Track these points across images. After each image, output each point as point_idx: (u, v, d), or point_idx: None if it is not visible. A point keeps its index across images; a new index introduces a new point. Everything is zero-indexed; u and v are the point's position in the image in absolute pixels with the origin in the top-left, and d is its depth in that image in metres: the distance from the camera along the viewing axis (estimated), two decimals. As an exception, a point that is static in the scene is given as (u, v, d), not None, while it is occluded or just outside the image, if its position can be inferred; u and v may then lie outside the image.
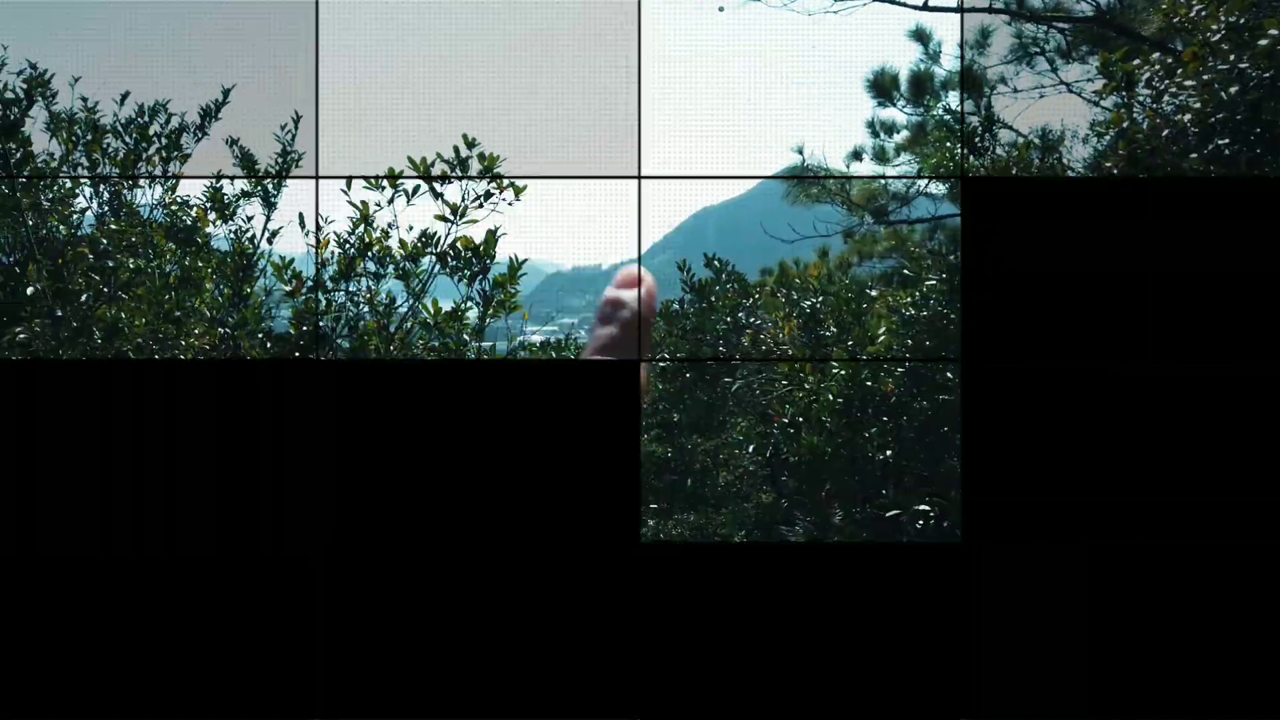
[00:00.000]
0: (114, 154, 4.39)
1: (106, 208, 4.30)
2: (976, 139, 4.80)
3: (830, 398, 5.34)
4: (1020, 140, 5.48)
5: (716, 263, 7.93)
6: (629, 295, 0.45)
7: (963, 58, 7.38)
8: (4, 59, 3.93)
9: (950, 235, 7.24)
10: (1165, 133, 3.49)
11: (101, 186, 4.31)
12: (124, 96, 4.40)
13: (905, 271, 5.26)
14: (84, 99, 4.38)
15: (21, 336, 3.45)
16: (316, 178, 4.68)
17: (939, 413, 5.07)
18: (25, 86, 3.98)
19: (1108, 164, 3.74)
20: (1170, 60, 3.90)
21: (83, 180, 4.31)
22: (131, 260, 3.99)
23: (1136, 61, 3.98)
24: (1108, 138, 3.94)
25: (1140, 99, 3.91)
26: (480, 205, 4.29)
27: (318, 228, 4.53)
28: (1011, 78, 7.65)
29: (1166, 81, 3.80)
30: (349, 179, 4.71)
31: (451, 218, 4.29)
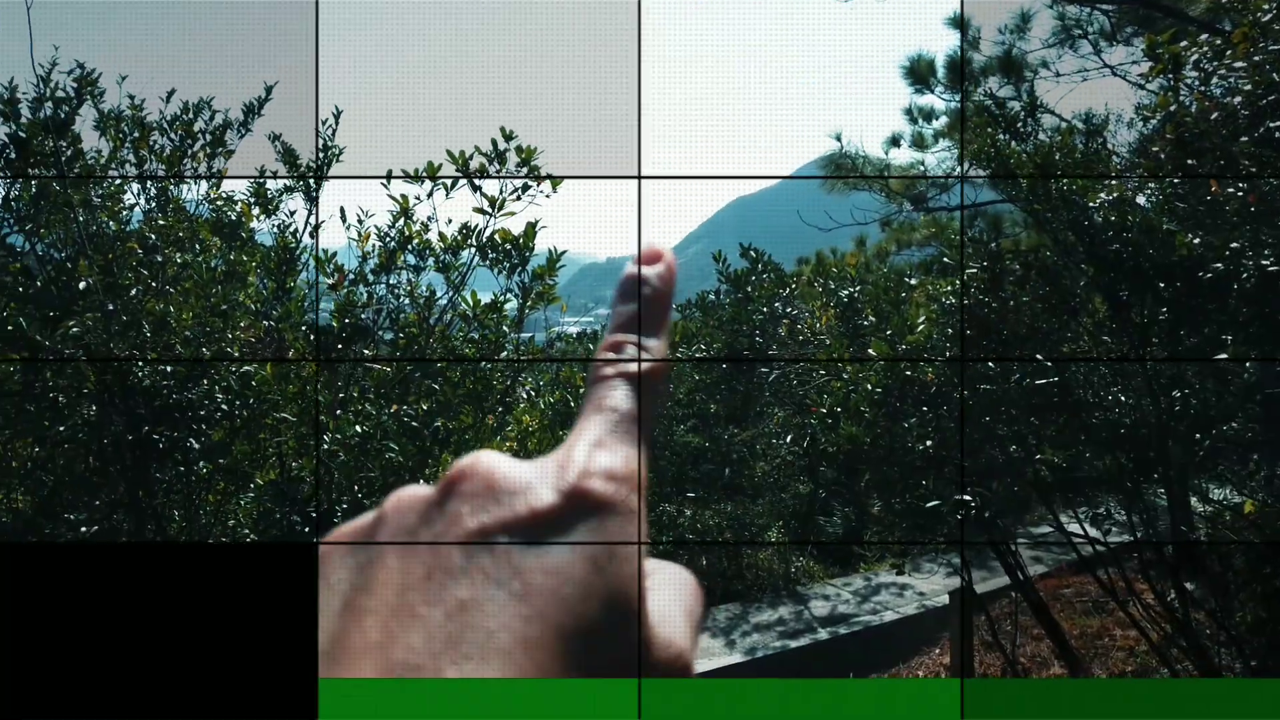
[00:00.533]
0: (160, 150, 4.47)
1: (154, 203, 4.39)
2: (1019, 124, 4.73)
3: (869, 388, 5.30)
4: (1063, 125, 5.38)
5: (753, 253, 7.90)
6: (649, 271, 0.44)
7: (963, 51, 7.25)
8: (55, 59, 4.01)
9: (990, 222, 7.15)
10: (1215, 116, 3.41)
11: (149, 183, 4.39)
12: (170, 94, 4.48)
13: (945, 259, 5.19)
14: (131, 96, 4.47)
15: (74, 330, 3.54)
16: (317, 177, 4.73)
17: (980, 403, 5.01)
18: (75, 85, 4.06)
19: (1154, 148, 3.66)
20: (1219, 41, 3.81)
21: (131, 178, 4.39)
22: (179, 255, 4.07)
23: (1184, 43, 3.89)
24: (1154, 121, 3.86)
25: (1188, 81, 3.83)
26: (518, 198, 4.32)
27: (316, 226, 4.58)
28: (1054, 61, 7.53)
29: (1215, 63, 3.71)
30: (352, 179, 4.76)
31: (490, 210, 4.32)
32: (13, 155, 3.99)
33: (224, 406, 3.89)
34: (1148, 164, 3.76)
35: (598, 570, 0.35)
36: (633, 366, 0.42)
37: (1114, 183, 4.04)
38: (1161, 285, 4.27)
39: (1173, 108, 3.57)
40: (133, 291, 3.80)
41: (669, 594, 0.40)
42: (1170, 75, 3.88)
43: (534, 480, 0.37)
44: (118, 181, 4.29)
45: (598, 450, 0.38)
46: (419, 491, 0.38)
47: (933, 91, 7.63)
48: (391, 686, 0.31)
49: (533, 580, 0.34)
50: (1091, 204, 4.19)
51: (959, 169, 8.12)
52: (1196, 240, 3.84)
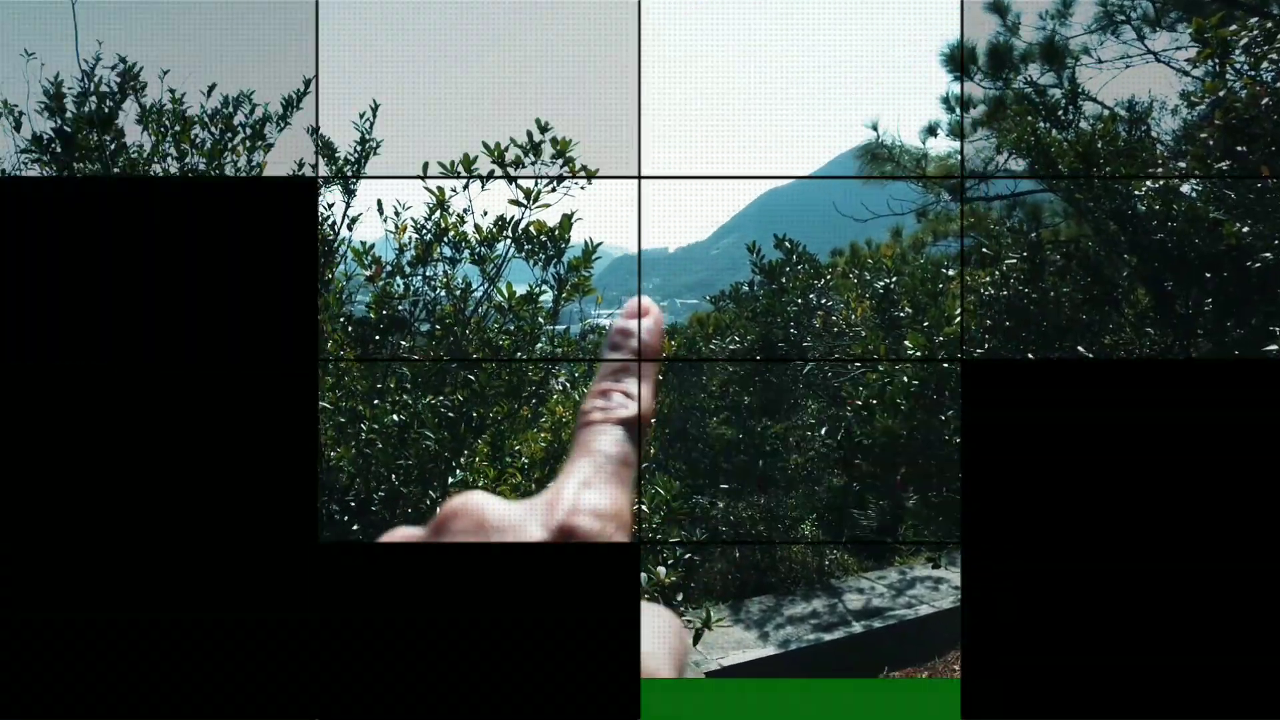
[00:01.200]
0: (201, 144, 4.53)
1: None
2: (1060, 112, 4.65)
3: (905, 380, 5.25)
4: (1105, 113, 5.29)
5: (787, 244, 7.85)
6: (635, 324, 0.47)
7: (962, 47, 7.14)
8: (99, 54, 4.08)
9: (1029, 211, 7.05)
10: (1265, 101, 3.33)
11: (190, 176, 4.45)
12: (211, 88, 4.54)
13: (984, 250, 5.13)
14: (171, 91, 4.53)
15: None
16: (316, 178, 4.76)
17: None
18: (118, 80, 4.12)
19: (1203, 134, 3.59)
20: (1269, 25, 3.72)
21: (173, 172, 4.46)
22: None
23: (1233, 27, 3.80)
24: (1201, 107, 3.78)
25: (1236, 66, 3.74)
26: (553, 189, 4.32)
27: (318, 224, 4.60)
28: (1095, 48, 7.40)
29: (1265, 47, 3.62)
30: (356, 177, 4.79)
31: (525, 202, 4.33)
32: (59, 149, 4.06)
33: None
34: (1195, 150, 3.69)
35: None
36: (620, 413, 0.44)
37: (1158, 170, 3.97)
38: (1208, 275, 4.19)
39: (1221, 93, 3.49)
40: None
41: (655, 634, 0.42)
42: (1215, 60, 3.80)
43: (523, 518, 0.39)
44: (161, 176, 4.35)
45: (585, 490, 0.40)
46: (411, 531, 0.40)
47: (972, 79, 7.52)
48: (391, 686, 0.32)
49: None
50: (1136, 192, 4.12)
51: (995, 162, 8.02)
52: (1244, 229, 3.75)
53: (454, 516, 0.39)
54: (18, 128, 4.21)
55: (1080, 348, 4.68)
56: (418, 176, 4.32)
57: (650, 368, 0.46)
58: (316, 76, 4.89)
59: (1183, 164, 4.03)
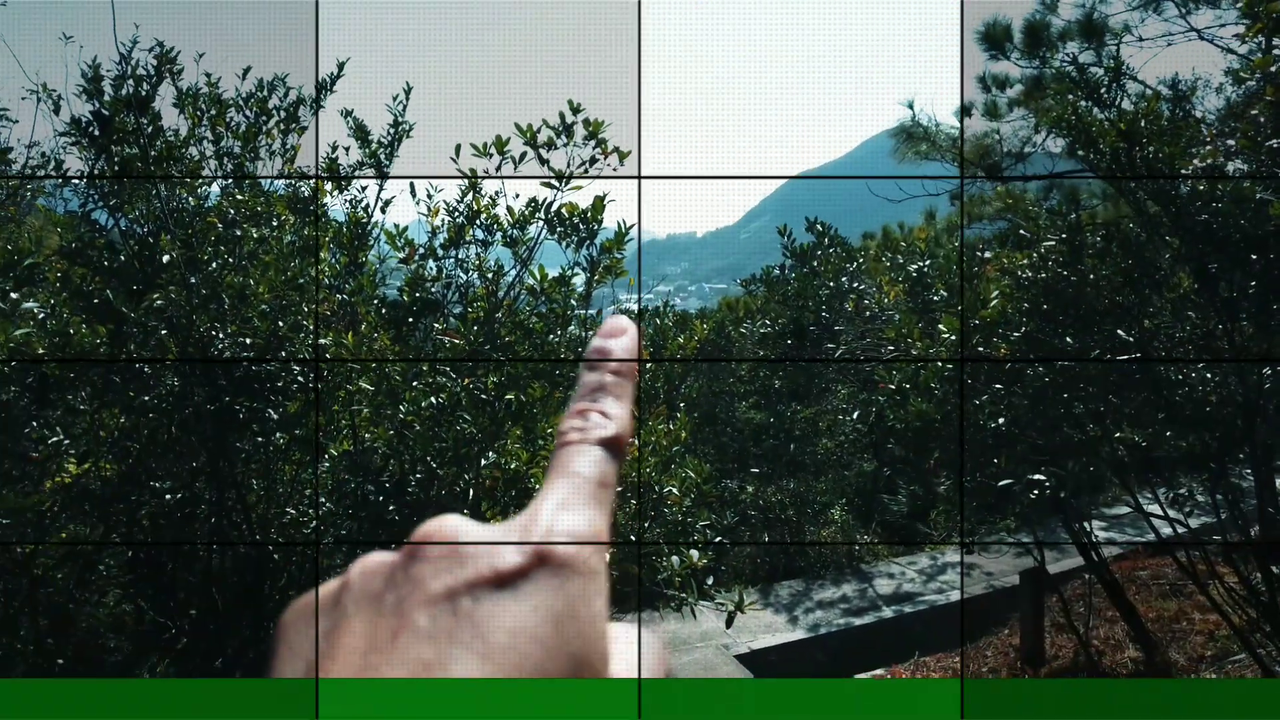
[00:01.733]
0: (236, 127, 4.56)
1: (231, 179, 4.48)
2: (1102, 90, 4.55)
3: (940, 364, 5.19)
4: (1149, 92, 5.17)
5: (819, 226, 7.78)
6: (614, 344, 0.47)
7: (962, 41, 7.01)
8: (135, 37, 4.11)
9: (1067, 193, 6.92)
10: (1319, 77, 3.24)
11: (225, 159, 4.48)
12: (245, 71, 4.56)
13: (1022, 232, 5.05)
14: (207, 75, 4.55)
15: (159, 303, 3.63)
16: (316, 177, 4.77)
17: (1055, 379, 4.87)
18: (155, 63, 4.15)
19: (1253, 110, 3.50)
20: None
21: (208, 155, 4.48)
22: (255, 230, 4.15)
23: (1284, 1, 3.69)
24: (1250, 83, 3.68)
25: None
26: (585, 171, 4.30)
27: (317, 220, 4.62)
28: (1136, 25, 7.24)
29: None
30: (339, 178, 4.78)
31: (557, 185, 4.31)
32: (96, 133, 4.10)
33: (300, 379, 3.97)
34: (1245, 127, 3.59)
35: (560, 629, 0.35)
36: (598, 433, 0.43)
37: (1206, 148, 3.87)
38: (1253, 257, 4.09)
39: (1273, 68, 3.40)
40: (212, 265, 3.89)
41: (633, 658, 0.41)
42: (1261, 37, 3.70)
43: (499, 541, 0.38)
44: (196, 157, 4.38)
45: (561, 512, 0.40)
46: (384, 557, 0.40)
47: (1008, 57, 7.38)
48: (392, 687, 0.32)
49: (496, 640, 0.34)
50: (1182, 171, 4.03)
51: (1033, 141, 7.89)
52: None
53: (427, 540, 0.39)
54: (56, 111, 4.25)
55: (1120, 331, 4.60)
56: (423, 177, 4.32)
57: (627, 388, 0.46)
58: (317, 73, 4.89)
59: (1231, 142, 3.93)
